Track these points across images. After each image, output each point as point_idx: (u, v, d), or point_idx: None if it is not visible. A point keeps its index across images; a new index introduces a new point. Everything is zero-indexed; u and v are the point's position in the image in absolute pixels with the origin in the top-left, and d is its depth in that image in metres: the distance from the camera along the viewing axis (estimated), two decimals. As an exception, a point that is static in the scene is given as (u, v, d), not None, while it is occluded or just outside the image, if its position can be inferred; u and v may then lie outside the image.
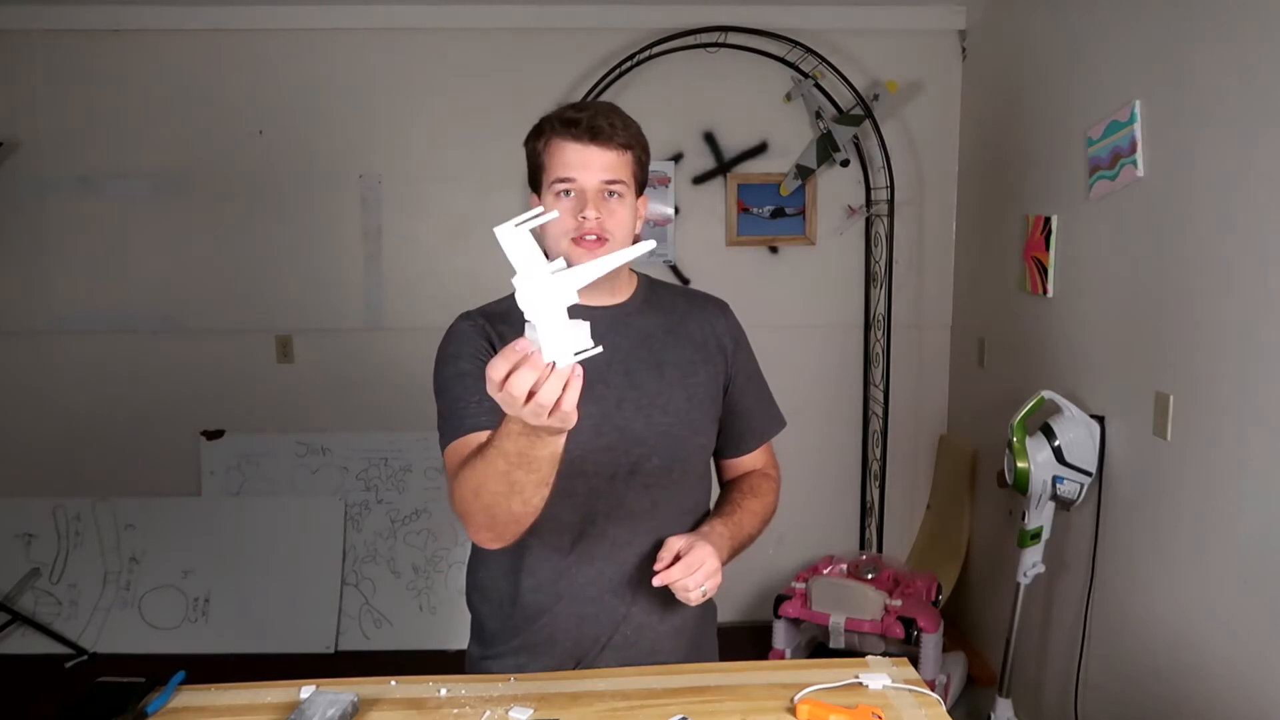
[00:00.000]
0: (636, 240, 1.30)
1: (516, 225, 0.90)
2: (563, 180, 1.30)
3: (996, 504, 3.11)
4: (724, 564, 1.32)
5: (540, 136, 1.35)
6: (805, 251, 3.53)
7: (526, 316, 0.92)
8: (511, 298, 1.33)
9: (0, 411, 3.55)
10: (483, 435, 1.24)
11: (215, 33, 3.36)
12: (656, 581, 1.26)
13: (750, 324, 1.54)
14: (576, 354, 0.91)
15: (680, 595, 1.27)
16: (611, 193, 1.31)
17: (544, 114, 1.37)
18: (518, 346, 0.93)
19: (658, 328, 1.42)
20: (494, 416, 1.22)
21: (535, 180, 1.37)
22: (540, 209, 1.04)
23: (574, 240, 1.30)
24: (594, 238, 1.30)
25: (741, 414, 1.49)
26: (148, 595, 3.46)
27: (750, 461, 1.53)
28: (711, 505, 1.51)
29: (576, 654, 1.43)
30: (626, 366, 1.38)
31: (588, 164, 1.30)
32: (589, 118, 1.30)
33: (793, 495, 3.60)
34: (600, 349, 0.93)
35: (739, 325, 1.51)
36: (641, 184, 1.38)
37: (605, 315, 1.38)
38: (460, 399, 1.31)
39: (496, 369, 0.93)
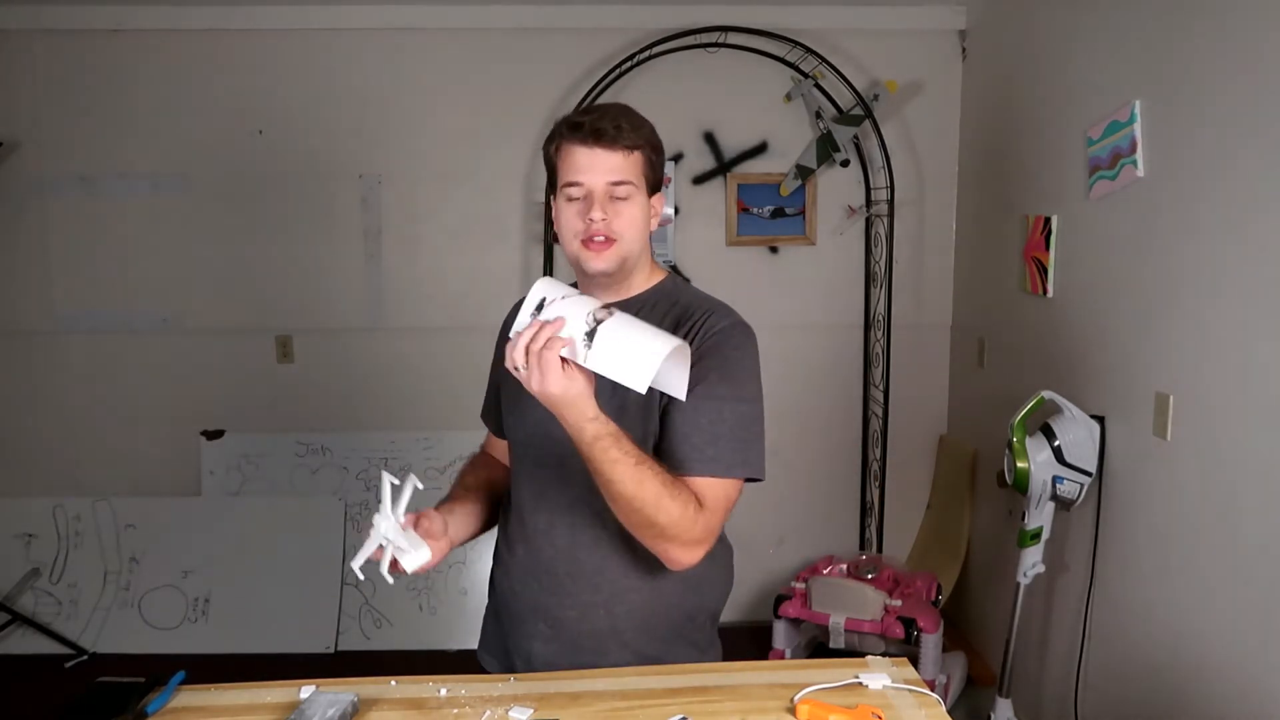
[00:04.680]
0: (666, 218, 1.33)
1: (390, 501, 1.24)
2: (570, 184, 1.33)
3: (996, 504, 3.11)
4: (591, 438, 1.17)
5: (552, 141, 1.37)
6: (805, 251, 3.53)
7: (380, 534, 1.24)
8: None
9: (0, 411, 3.55)
10: (494, 438, 1.62)
11: (215, 33, 3.36)
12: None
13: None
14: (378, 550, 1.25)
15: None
16: (619, 195, 1.33)
17: (551, 116, 1.39)
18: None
19: None
20: (492, 420, 1.60)
21: (552, 183, 1.39)
22: (405, 482, 1.24)
23: (583, 242, 1.33)
24: (602, 239, 1.33)
25: (668, 431, 1.31)
26: (148, 595, 3.46)
27: None
28: None
29: (512, 631, 1.47)
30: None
31: (593, 166, 1.31)
32: (593, 120, 1.31)
33: (793, 495, 3.64)
34: (390, 580, 1.26)
35: (720, 340, 1.33)
36: (655, 184, 1.39)
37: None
38: (488, 389, 1.62)
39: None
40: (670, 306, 1.41)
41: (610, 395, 1.27)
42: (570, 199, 1.34)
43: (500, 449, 1.60)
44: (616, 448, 1.19)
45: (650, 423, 1.34)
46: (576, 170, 1.32)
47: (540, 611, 1.43)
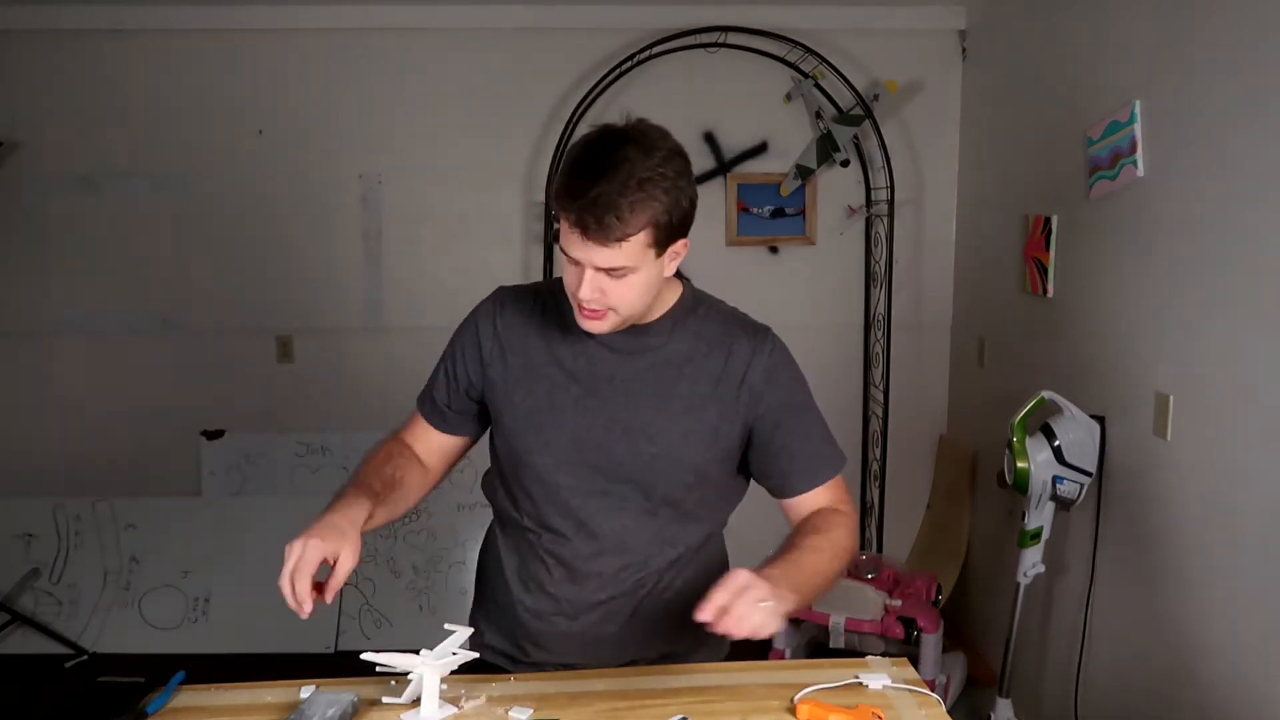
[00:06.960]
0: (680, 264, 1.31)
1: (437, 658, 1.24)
2: (567, 255, 1.23)
3: (996, 504, 3.11)
4: (796, 605, 1.17)
5: (553, 197, 1.26)
6: (805, 251, 3.53)
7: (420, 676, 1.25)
8: (547, 281, 1.47)
9: (0, 411, 3.55)
10: (426, 429, 1.50)
11: (215, 33, 3.36)
12: (701, 616, 1.10)
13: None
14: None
15: (727, 628, 1.10)
16: (615, 275, 1.22)
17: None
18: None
19: (679, 355, 1.34)
20: (436, 412, 1.49)
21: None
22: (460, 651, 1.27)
23: (577, 306, 1.26)
24: (594, 309, 1.25)
25: (783, 454, 1.36)
26: (148, 595, 3.45)
27: (810, 502, 1.38)
28: (709, 544, 1.46)
29: (553, 640, 1.43)
30: (629, 388, 1.33)
31: (585, 252, 1.20)
32: (581, 209, 1.16)
33: (793, 495, 3.63)
34: None
35: (781, 359, 1.38)
36: (670, 239, 1.24)
37: (621, 336, 1.33)
38: (434, 377, 1.50)
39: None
40: (703, 329, 1.37)
41: (682, 418, 1.33)
42: (568, 260, 1.24)
43: (427, 443, 1.50)
44: (795, 579, 1.19)
45: (726, 447, 1.38)
46: (570, 246, 1.21)
47: (575, 643, 1.41)
